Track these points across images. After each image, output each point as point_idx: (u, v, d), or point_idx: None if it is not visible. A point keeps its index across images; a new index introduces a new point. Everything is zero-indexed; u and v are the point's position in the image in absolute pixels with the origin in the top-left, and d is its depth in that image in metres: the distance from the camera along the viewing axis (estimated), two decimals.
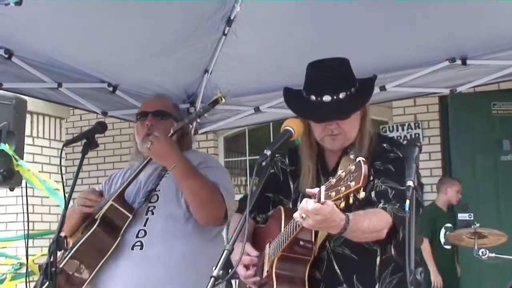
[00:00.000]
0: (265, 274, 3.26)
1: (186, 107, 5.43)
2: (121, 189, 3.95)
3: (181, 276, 3.87)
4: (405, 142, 3.72)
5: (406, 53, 4.75)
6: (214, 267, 2.66)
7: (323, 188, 2.72)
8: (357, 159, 2.61)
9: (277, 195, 3.56)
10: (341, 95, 3.22)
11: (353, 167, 2.60)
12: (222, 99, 3.91)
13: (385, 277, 3.18)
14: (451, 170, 9.19)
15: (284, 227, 3.17)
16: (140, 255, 3.85)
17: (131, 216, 3.88)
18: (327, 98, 3.22)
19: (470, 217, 8.56)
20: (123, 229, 3.86)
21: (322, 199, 2.69)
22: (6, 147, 5.56)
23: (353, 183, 2.57)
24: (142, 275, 3.83)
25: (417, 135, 9.37)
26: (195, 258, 3.91)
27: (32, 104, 6.51)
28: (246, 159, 10.95)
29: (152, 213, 3.96)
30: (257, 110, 5.64)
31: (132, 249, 3.87)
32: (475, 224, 7.11)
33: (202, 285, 2.63)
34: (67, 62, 4.75)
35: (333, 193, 2.65)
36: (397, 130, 9.41)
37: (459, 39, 4.55)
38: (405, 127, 9.44)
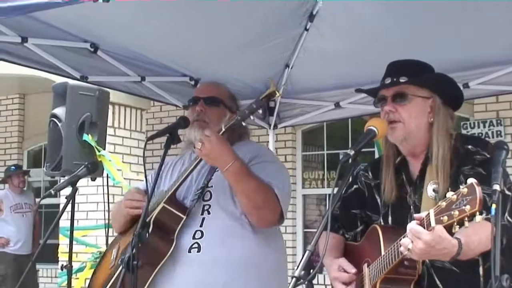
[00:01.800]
0: None
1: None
2: (172, 190, 3.77)
3: (241, 279, 3.74)
4: (487, 139, 3.60)
5: (490, 50, 4.67)
6: (295, 268, 2.65)
7: (431, 212, 2.64)
8: (468, 181, 2.54)
9: (363, 211, 3.50)
10: (402, 79, 3.25)
11: (466, 189, 2.53)
12: (276, 93, 3.58)
13: (490, 286, 3.06)
14: None
15: (384, 248, 3.10)
16: (198, 258, 3.71)
17: (184, 217, 3.74)
18: (388, 80, 3.30)
19: None
20: (177, 231, 3.72)
21: (433, 224, 2.63)
22: (89, 138, 5.66)
23: (468, 207, 2.50)
24: (201, 280, 3.70)
25: (499, 132, 9.19)
26: (255, 259, 3.78)
27: (114, 95, 6.59)
28: (324, 153, 10.91)
29: (208, 213, 3.80)
30: (337, 105, 5.64)
31: (190, 251, 3.72)
32: None
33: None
34: (150, 56, 4.83)
35: (445, 218, 2.58)
36: (478, 127, 9.26)
37: None
38: (487, 124, 9.28)
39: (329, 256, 3.39)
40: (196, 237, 3.75)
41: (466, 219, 2.53)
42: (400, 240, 2.85)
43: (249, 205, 3.68)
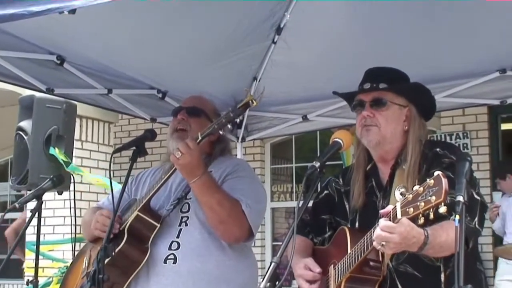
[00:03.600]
0: None
1: None
2: (147, 198, 3.77)
3: None
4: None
5: (456, 64, 4.72)
6: (261, 279, 2.65)
7: (398, 205, 2.67)
8: (435, 173, 2.58)
9: (333, 216, 3.53)
10: (381, 86, 3.29)
11: (432, 181, 2.57)
12: (253, 102, 3.55)
13: None
14: None
15: (350, 248, 3.13)
16: (173, 270, 3.72)
17: (158, 225, 3.74)
18: (367, 85, 3.33)
19: None
20: (151, 239, 3.73)
21: (399, 216, 2.65)
22: (56, 151, 5.62)
23: (433, 198, 2.54)
24: None
25: (465, 144, 9.28)
26: (227, 275, 3.79)
27: (81, 108, 6.57)
28: (292, 166, 10.93)
29: (186, 224, 3.80)
30: (305, 118, 5.65)
31: (165, 262, 3.73)
32: None
33: None
34: (117, 69, 4.80)
35: (411, 209, 2.61)
36: (445, 140, 9.32)
37: (510, 50, 4.49)
38: (453, 137, 9.38)
39: (296, 255, 3.39)
40: (172, 248, 3.76)
41: (431, 210, 2.56)
42: (369, 235, 2.88)
43: (214, 219, 3.67)
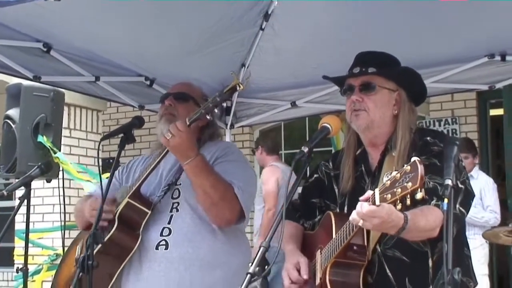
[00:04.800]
0: (318, 281, 3.22)
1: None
2: (137, 185, 3.80)
3: (207, 278, 3.77)
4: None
5: (444, 49, 4.71)
6: (250, 264, 2.65)
7: (377, 190, 2.68)
8: (412, 159, 2.58)
9: (323, 200, 3.53)
10: (370, 70, 3.28)
11: (409, 167, 2.57)
12: (239, 86, 3.54)
13: (439, 278, 3.09)
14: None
15: (335, 233, 3.14)
16: (165, 256, 3.75)
17: (149, 212, 3.76)
18: (356, 69, 3.32)
19: None
20: (142, 225, 3.75)
21: (377, 202, 2.66)
22: (43, 139, 5.61)
23: (409, 184, 2.54)
24: (168, 277, 3.74)
25: (454, 130, 9.30)
26: (221, 259, 3.81)
27: (70, 96, 6.55)
28: (281, 153, 10.93)
29: (177, 210, 3.81)
30: (293, 104, 5.65)
31: (157, 248, 3.75)
32: None
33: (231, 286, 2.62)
34: (105, 56, 4.79)
35: (389, 195, 2.61)
36: (434, 125, 9.34)
37: (498, 35, 4.50)
38: (442, 122, 9.38)
39: (291, 243, 3.42)
40: (163, 234, 3.77)
41: (408, 196, 2.56)
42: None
43: (206, 201, 3.68)
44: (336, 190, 3.46)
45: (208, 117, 3.61)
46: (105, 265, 3.63)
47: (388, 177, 2.67)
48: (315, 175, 3.60)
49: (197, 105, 3.92)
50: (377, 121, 3.27)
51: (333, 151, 6.56)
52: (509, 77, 4.88)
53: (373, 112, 3.26)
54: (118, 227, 3.69)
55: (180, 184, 3.86)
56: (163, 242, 3.76)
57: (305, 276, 3.26)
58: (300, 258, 3.33)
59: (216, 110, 3.66)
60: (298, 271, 3.29)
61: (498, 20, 4.26)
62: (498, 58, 4.73)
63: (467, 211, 3.12)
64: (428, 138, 3.24)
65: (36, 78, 4.67)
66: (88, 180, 6.77)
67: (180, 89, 4.07)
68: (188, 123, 3.60)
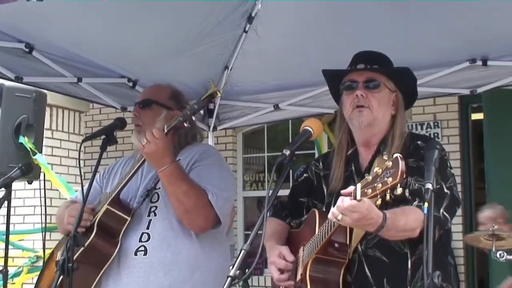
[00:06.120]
0: (298, 277, 3.24)
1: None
2: (116, 191, 3.79)
3: (187, 283, 3.76)
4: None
5: (426, 53, 4.74)
6: (230, 267, 2.65)
7: (359, 185, 2.70)
8: (394, 155, 2.60)
9: (310, 199, 3.54)
10: (375, 67, 3.31)
11: (390, 163, 2.59)
12: (217, 93, 3.64)
13: (417, 280, 3.12)
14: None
15: (318, 230, 3.15)
16: (144, 261, 3.73)
17: (129, 219, 3.75)
18: (360, 66, 3.33)
19: None
20: (122, 232, 3.74)
21: (358, 197, 2.67)
22: (25, 140, 5.58)
23: (390, 179, 2.56)
24: (147, 283, 3.72)
25: (436, 134, 9.32)
26: (200, 263, 3.80)
27: (52, 97, 6.51)
28: (264, 155, 10.92)
29: (155, 214, 3.80)
30: (276, 107, 5.65)
31: (136, 254, 3.74)
32: (494, 227, 7.02)
33: None
34: (87, 57, 4.77)
35: (369, 190, 2.64)
36: (416, 129, 9.34)
37: (480, 40, 4.54)
38: (424, 126, 9.38)
39: (272, 240, 3.43)
40: (142, 240, 3.77)
41: (388, 191, 2.58)
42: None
43: (180, 208, 3.69)
44: (325, 190, 3.47)
45: (186, 124, 3.61)
46: (84, 272, 3.62)
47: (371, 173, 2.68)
48: (305, 175, 3.61)
49: (163, 107, 3.93)
50: (379, 119, 3.29)
51: (316, 154, 6.58)
52: (490, 82, 4.90)
53: (376, 110, 3.27)
54: (97, 234, 3.69)
55: (159, 188, 3.84)
56: (142, 248, 3.75)
57: (291, 259, 3.29)
58: (279, 247, 3.36)
59: (193, 118, 3.66)
60: (283, 259, 3.30)
61: (480, 25, 4.29)
62: (479, 63, 4.76)
63: (452, 217, 3.13)
64: (419, 142, 3.26)
65: (18, 79, 4.66)
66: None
67: (144, 96, 4.09)
68: (165, 131, 3.62)
